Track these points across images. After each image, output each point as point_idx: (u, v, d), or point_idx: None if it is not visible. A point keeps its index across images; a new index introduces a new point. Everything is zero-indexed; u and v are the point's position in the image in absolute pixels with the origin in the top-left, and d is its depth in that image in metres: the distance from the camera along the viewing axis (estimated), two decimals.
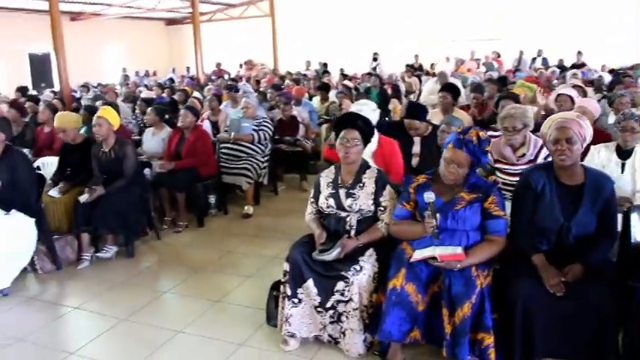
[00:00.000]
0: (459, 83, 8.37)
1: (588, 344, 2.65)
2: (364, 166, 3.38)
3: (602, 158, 3.79)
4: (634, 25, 15.88)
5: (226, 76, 16.58)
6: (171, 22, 24.01)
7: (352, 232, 3.26)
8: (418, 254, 2.91)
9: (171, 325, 3.63)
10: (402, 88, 11.02)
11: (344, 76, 13.63)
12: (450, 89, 5.91)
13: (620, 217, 3.03)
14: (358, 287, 3.04)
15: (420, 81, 12.35)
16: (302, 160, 7.15)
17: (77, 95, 11.80)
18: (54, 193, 4.88)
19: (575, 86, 6.51)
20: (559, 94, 5.46)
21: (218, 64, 19.46)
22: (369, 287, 3.07)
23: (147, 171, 5.59)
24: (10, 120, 5.42)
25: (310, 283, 3.14)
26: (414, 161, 4.51)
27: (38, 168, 5.35)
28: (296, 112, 7.49)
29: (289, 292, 3.19)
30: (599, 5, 16.04)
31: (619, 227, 3.01)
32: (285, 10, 20.72)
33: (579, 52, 15.24)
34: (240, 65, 20.61)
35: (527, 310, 2.69)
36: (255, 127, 6.29)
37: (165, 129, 6.19)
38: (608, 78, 10.06)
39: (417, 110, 4.66)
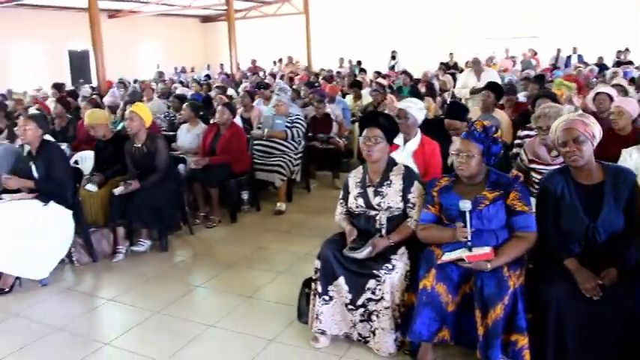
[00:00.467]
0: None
1: (622, 349, 2.58)
2: (391, 164, 3.36)
3: (634, 160, 3.68)
4: None
5: (261, 73, 16.70)
6: (206, 19, 24.26)
7: (383, 231, 3.25)
8: (447, 256, 2.88)
9: (203, 319, 3.67)
10: (436, 85, 10.90)
11: (378, 73, 13.57)
12: (493, 88, 5.82)
13: None
14: (390, 286, 3.02)
15: (455, 79, 12.20)
16: (335, 157, 7.14)
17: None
18: (91, 187, 4.97)
19: (614, 85, 6.34)
20: (597, 93, 5.31)
21: (253, 61, 19.63)
22: (401, 286, 3.05)
23: (181, 166, 5.66)
24: (51, 116, 5.56)
25: (341, 280, 3.13)
26: (451, 160, 4.45)
27: (76, 162, 5.48)
28: (329, 110, 7.49)
29: (320, 290, 3.19)
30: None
31: None
32: (319, 7, 20.73)
33: (626, 50, 14.79)
34: (274, 62, 20.71)
35: (560, 313, 2.63)
36: (289, 124, 6.31)
37: (200, 125, 6.26)
38: None
39: (458, 111, 4.62)
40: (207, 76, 16.20)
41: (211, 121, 6.21)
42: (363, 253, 3.09)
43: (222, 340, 3.43)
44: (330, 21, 20.39)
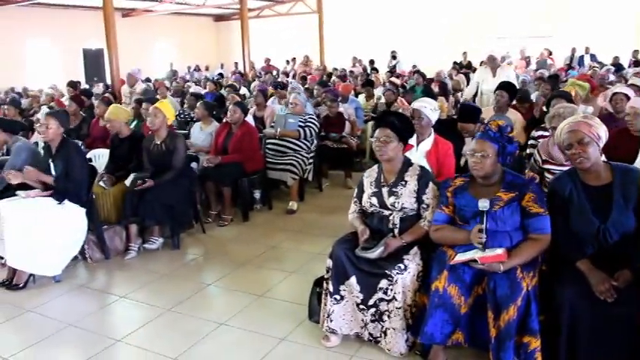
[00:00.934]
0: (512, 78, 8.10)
1: (637, 351, 2.54)
2: (406, 164, 3.34)
3: None
4: None
5: (275, 72, 16.73)
6: (219, 18, 24.32)
7: (396, 231, 3.23)
8: (459, 257, 2.86)
9: (214, 317, 3.68)
10: (449, 85, 10.85)
11: (391, 73, 13.54)
12: (507, 88, 5.76)
13: None
14: (402, 286, 3.01)
15: (468, 79, 12.13)
16: (347, 157, 7.13)
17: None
18: (104, 184, 5.00)
19: (630, 85, 6.26)
20: (614, 93, 5.25)
21: (267, 60, 19.66)
22: (413, 286, 3.04)
23: (194, 165, 5.68)
24: (69, 113, 5.61)
25: (353, 280, 3.13)
26: (464, 161, 4.43)
27: (90, 160, 5.51)
28: (342, 109, 7.48)
29: (331, 289, 3.19)
30: None
31: None
32: (332, 6, 20.71)
33: None
34: (287, 61, 20.73)
35: (573, 315, 2.61)
36: (302, 124, 6.31)
37: (213, 123, 6.27)
38: None
39: (471, 113, 4.59)
40: (220, 75, 16.26)
41: (223, 120, 6.23)
42: (375, 253, 3.08)
43: (234, 338, 3.43)
44: (342, 20, 20.36)
